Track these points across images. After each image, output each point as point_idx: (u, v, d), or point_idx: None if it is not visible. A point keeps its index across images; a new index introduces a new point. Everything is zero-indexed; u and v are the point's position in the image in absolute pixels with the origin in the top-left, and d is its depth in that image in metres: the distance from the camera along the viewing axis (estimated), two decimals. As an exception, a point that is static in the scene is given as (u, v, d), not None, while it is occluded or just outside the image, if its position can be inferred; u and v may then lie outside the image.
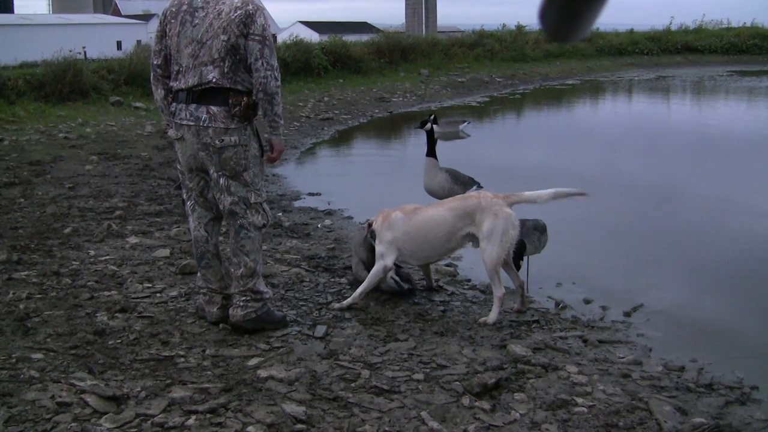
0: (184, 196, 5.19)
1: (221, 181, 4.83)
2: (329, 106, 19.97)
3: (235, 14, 4.66)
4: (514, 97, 24.83)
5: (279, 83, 4.77)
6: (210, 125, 4.72)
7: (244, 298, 4.99)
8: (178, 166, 5.12)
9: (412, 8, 57.81)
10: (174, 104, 4.90)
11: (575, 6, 1.30)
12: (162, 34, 4.93)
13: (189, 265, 6.30)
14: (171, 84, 4.93)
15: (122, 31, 56.54)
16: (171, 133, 4.98)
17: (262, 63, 4.67)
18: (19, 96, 16.25)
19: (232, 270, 5.08)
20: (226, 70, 4.70)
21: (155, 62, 4.99)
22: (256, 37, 4.66)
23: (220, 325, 5.10)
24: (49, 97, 16.50)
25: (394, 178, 12.03)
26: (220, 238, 5.37)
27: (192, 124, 4.77)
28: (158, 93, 5.07)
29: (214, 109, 4.72)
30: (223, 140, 4.73)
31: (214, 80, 4.71)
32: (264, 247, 6.48)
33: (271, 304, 5.19)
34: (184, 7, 4.80)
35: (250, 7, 4.70)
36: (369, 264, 5.87)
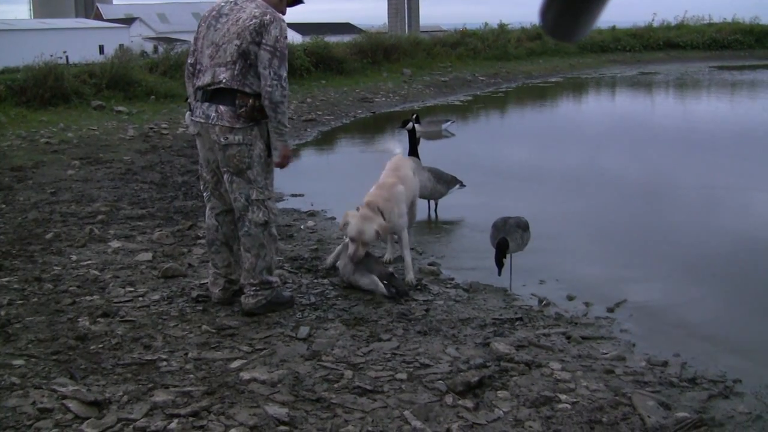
0: (201, 187, 5.62)
1: (226, 177, 5.22)
2: (312, 108, 19.92)
3: (251, 22, 5.02)
4: (497, 96, 24.84)
5: (286, 92, 5.07)
6: (217, 123, 5.07)
7: (254, 288, 5.37)
8: (199, 159, 5.50)
9: (395, 8, 57.78)
10: (195, 102, 5.23)
11: (576, 5, 1.29)
12: (196, 38, 5.34)
13: (171, 268, 6.30)
14: (194, 82, 5.29)
15: (104, 35, 56.43)
16: (191, 129, 5.37)
17: (270, 72, 4.99)
18: (0, 101, 16.14)
19: (242, 261, 5.46)
20: (236, 72, 5.03)
21: (189, 61, 5.40)
22: (268, 47, 4.99)
23: (203, 328, 5.09)
24: (30, 102, 16.38)
25: (376, 178, 11.98)
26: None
27: (203, 121, 5.14)
28: (189, 90, 5.44)
29: (222, 108, 5.06)
30: (227, 138, 5.07)
31: (224, 81, 5.04)
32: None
33: (278, 287, 5.58)
34: (214, 13, 5.23)
35: (267, 17, 5.04)
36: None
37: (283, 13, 5.47)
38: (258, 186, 5.20)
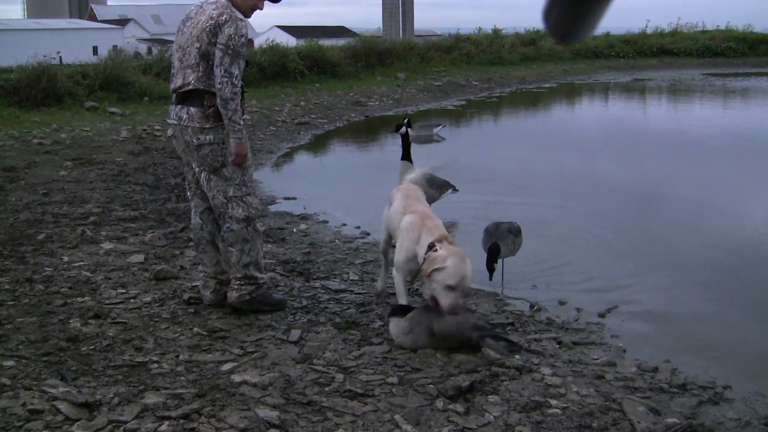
0: (186, 187, 5.70)
1: (203, 175, 5.31)
2: (306, 111, 19.92)
3: (207, 24, 5.10)
4: (490, 101, 24.85)
5: (236, 90, 5.07)
6: (189, 124, 5.18)
7: (238, 282, 5.42)
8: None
9: (389, 12, 57.84)
10: (170, 105, 5.38)
11: (579, 6, 1.29)
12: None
13: (163, 270, 6.30)
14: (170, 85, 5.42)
15: (98, 36, 56.38)
16: (169, 131, 5.49)
17: (220, 70, 5.04)
18: (-7, 101, 16.12)
19: (228, 257, 5.48)
20: (200, 74, 5.15)
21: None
22: (220, 46, 5.06)
23: (194, 330, 5.09)
24: (23, 102, 16.33)
25: (369, 181, 12.03)
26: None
27: (176, 123, 5.28)
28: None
29: (192, 110, 5.17)
30: (199, 138, 5.17)
31: (192, 82, 5.15)
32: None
33: (267, 288, 5.62)
34: (183, 17, 5.38)
35: (223, 18, 5.10)
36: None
37: (260, 8, 5.48)
38: (234, 183, 5.28)
